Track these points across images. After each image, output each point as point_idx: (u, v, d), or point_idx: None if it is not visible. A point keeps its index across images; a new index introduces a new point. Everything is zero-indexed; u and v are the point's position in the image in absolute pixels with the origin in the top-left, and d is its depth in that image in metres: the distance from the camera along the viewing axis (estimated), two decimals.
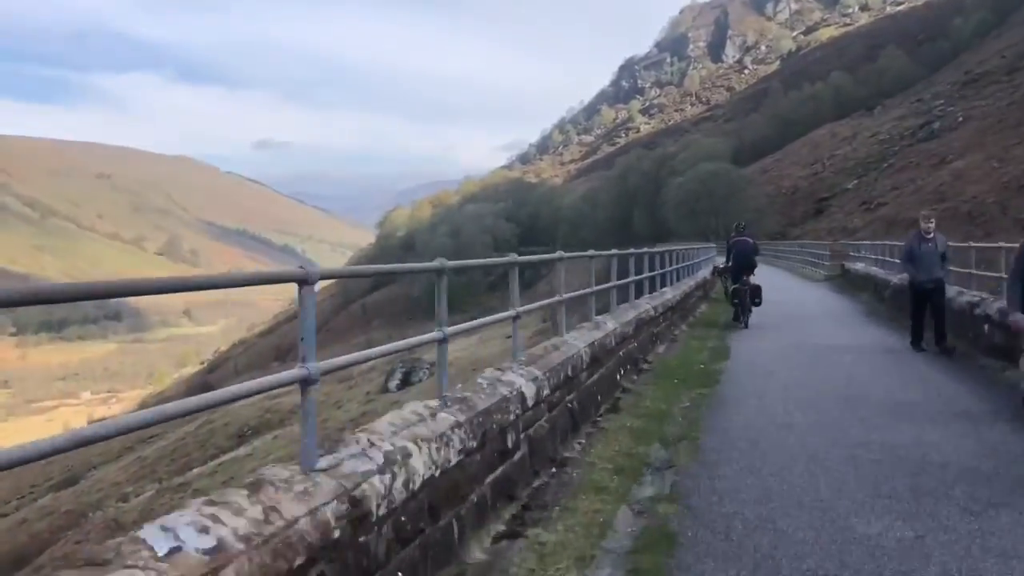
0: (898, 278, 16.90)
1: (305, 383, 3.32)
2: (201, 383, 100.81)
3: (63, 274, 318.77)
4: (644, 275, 13.85)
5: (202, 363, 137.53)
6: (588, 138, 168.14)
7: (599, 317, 9.85)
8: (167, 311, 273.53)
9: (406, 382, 33.05)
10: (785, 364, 10.87)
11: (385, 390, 32.42)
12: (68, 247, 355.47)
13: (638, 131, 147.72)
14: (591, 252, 11.18)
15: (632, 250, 13.79)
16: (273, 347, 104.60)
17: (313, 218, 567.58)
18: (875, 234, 36.39)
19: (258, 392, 3.28)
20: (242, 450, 37.23)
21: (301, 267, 3.39)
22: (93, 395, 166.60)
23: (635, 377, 10.07)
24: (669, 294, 15.79)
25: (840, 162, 58.35)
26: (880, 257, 22.53)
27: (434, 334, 4.78)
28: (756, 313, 16.38)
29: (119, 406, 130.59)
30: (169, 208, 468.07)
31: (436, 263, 4.88)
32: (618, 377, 9.35)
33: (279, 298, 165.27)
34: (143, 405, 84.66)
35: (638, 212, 69.12)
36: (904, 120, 58.80)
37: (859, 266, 26.04)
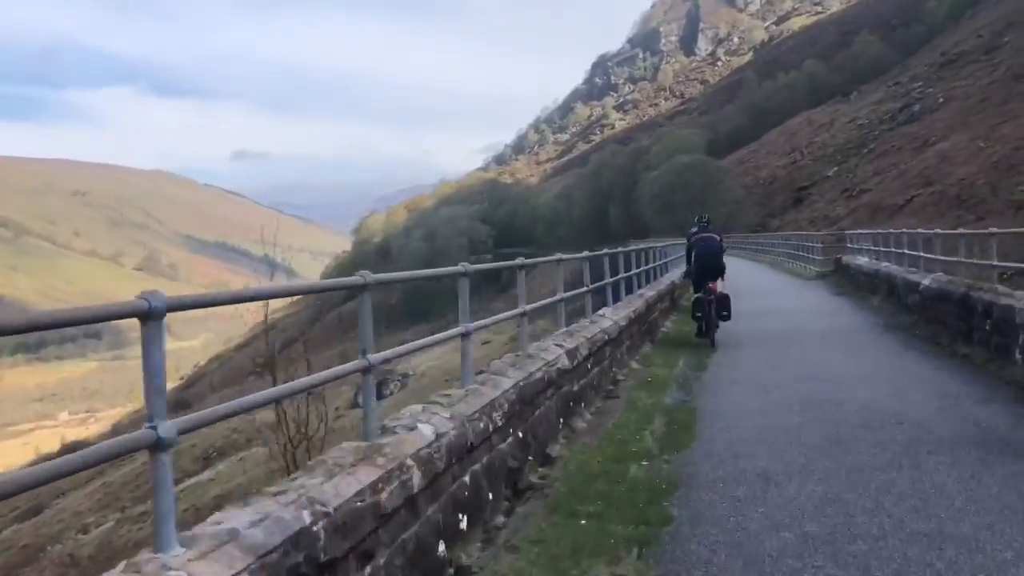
0: (931, 279, 13.21)
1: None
2: (176, 400, 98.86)
3: (38, 293, 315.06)
4: (600, 283, 11.50)
5: (181, 378, 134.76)
6: (563, 136, 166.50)
7: (533, 346, 7.48)
8: None
9: (378, 396, 31.24)
10: (792, 457, 6.19)
11: (355, 405, 30.84)
12: (44, 266, 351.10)
13: (613, 127, 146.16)
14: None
15: (587, 253, 11.40)
16: (250, 360, 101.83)
17: (293, 227, 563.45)
18: (859, 222, 34.79)
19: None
20: (206, 474, 35.33)
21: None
22: (71, 415, 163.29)
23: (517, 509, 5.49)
24: (632, 306, 12.70)
25: (818, 149, 56.78)
26: (893, 249, 18.09)
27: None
28: (740, 332, 13.15)
29: (97, 426, 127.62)
30: (147, 223, 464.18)
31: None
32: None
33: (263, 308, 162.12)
34: (117, 425, 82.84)
35: (613, 208, 67.43)
36: (882, 104, 57.31)
37: (861, 260, 21.66)
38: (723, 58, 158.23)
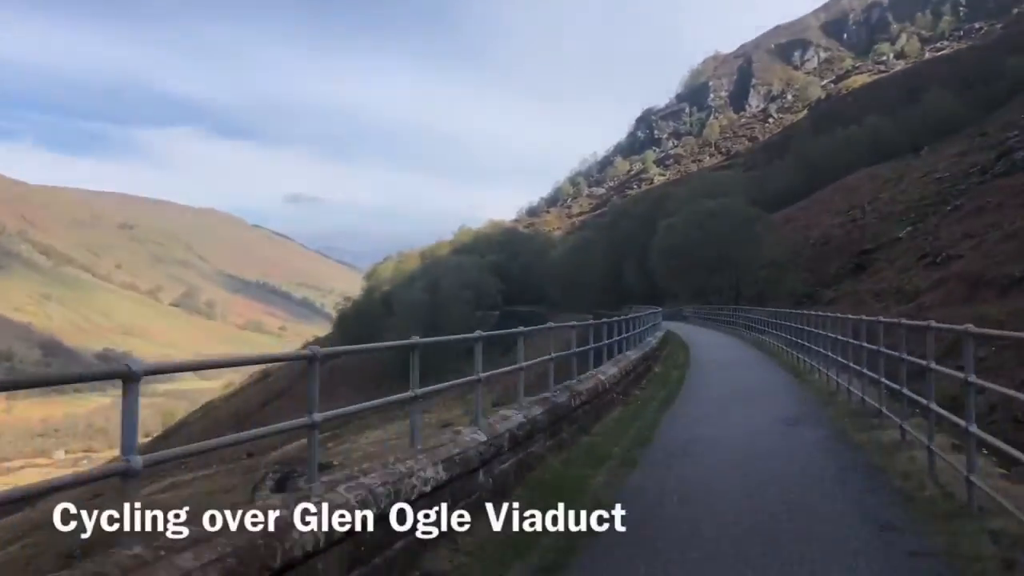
0: None
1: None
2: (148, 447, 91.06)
3: (70, 324, 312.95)
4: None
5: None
6: (599, 190, 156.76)
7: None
8: None
9: (280, 489, 23.32)
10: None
11: (251, 500, 22.03)
12: (80, 296, 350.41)
13: (651, 182, 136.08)
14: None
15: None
16: (233, 414, 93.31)
17: (337, 273, 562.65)
18: (948, 297, 24.09)
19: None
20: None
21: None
22: (67, 454, 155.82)
23: None
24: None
25: (886, 206, 45.84)
26: None
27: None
28: None
29: (87, 467, 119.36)
30: (189, 260, 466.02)
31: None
32: None
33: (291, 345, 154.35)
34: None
35: (628, 266, 57.01)
36: (966, 156, 46.52)
37: None
38: (775, 115, 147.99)
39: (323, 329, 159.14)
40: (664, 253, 46.71)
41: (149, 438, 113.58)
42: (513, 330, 10.17)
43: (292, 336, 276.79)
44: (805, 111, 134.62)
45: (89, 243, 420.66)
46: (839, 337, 14.07)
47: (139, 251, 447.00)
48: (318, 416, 4.96)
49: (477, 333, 8.14)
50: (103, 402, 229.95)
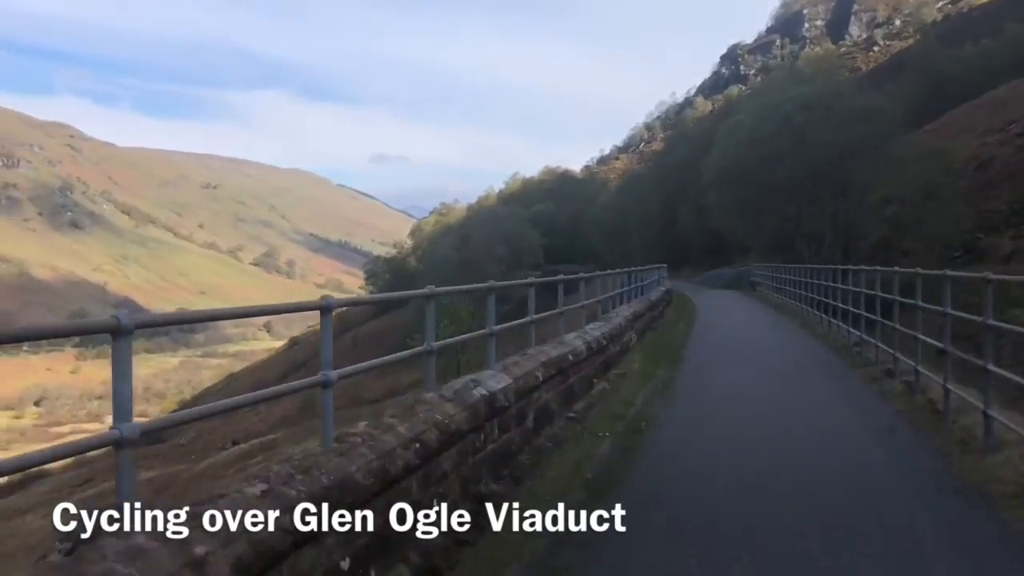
0: None
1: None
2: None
3: (147, 283, 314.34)
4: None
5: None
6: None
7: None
8: (248, 323, 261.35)
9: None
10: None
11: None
12: (159, 256, 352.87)
13: None
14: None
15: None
16: (253, 386, 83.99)
17: None
18: None
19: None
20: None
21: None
22: None
23: None
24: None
25: None
26: None
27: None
28: None
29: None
30: (272, 220, 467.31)
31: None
32: None
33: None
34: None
35: (684, 208, 42.50)
36: None
37: None
38: (881, 42, 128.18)
39: None
40: (724, 177, 31.60)
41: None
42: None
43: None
44: (918, 36, 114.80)
45: (173, 203, 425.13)
46: None
47: (222, 211, 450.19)
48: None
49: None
50: (171, 363, 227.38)
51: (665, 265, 29.13)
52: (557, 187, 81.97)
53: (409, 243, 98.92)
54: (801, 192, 28.49)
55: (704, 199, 36.79)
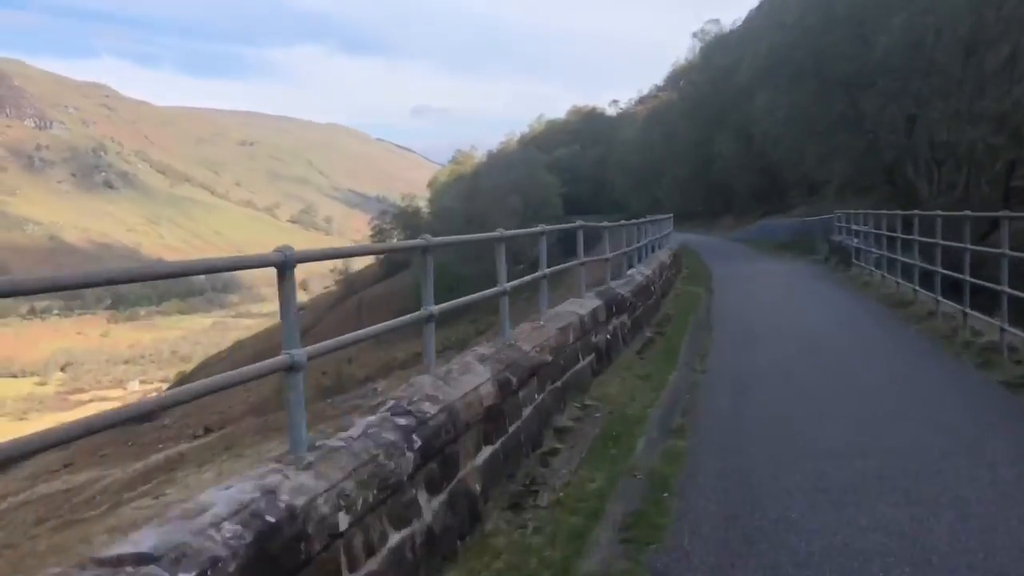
0: None
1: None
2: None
3: (182, 242, 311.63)
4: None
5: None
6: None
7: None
8: None
9: None
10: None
11: None
12: (194, 215, 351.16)
13: None
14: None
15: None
16: (254, 355, 77.52)
17: None
18: None
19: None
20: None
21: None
22: (142, 384, 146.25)
23: None
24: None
25: None
26: None
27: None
28: None
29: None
30: (310, 176, 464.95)
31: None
32: None
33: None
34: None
35: (722, 135, 32.78)
36: None
37: None
38: None
39: None
40: (776, 68, 21.35)
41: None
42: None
43: None
44: None
45: (209, 161, 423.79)
46: None
47: (258, 168, 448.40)
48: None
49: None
50: (202, 324, 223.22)
51: (671, 216, 23.50)
52: (584, 128, 72.18)
53: (427, 195, 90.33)
54: (919, 82, 18.39)
55: (748, 120, 26.89)
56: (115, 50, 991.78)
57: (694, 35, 51.45)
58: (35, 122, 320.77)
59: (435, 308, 5.21)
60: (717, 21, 49.93)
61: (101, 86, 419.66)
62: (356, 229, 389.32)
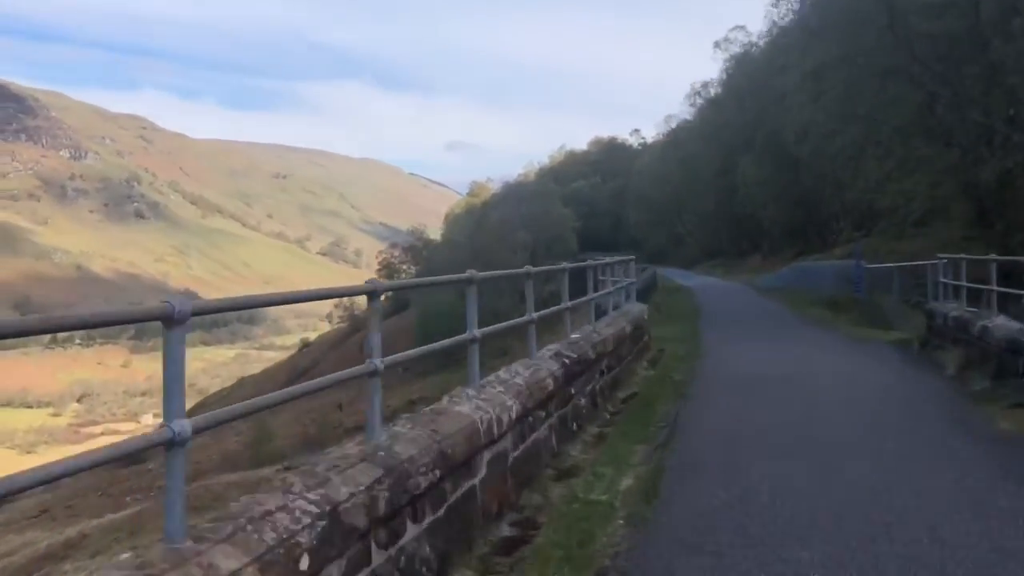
0: None
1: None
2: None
3: (210, 273, 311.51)
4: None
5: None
6: None
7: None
8: (309, 313, 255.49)
9: None
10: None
11: None
12: (224, 246, 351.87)
13: None
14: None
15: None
16: (292, 367, 75.01)
17: None
18: None
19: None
20: None
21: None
22: (156, 417, 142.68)
23: None
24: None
25: None
26: None
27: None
28: None
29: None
30: (341, 209, 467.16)
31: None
32: None
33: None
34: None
35: (746, 157, 28.10)
36: None
37: None
38: None
39: None
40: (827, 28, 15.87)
41: None
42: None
43: None
44: None
45: (242, 193, 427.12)
46: None
47: (291, 201, 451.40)
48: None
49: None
50: (225, 356, 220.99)
51: (633, 258, 17.19)
52: (604, 159, 67.77)
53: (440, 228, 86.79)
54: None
55: (780, 128, 21.88)
56: (157, 83, 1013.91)
57: (716, 45, 46.05)
58: (70, 152, 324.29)
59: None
60: (743, 28, 45.36)
61: (139, 118, 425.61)
62: None
